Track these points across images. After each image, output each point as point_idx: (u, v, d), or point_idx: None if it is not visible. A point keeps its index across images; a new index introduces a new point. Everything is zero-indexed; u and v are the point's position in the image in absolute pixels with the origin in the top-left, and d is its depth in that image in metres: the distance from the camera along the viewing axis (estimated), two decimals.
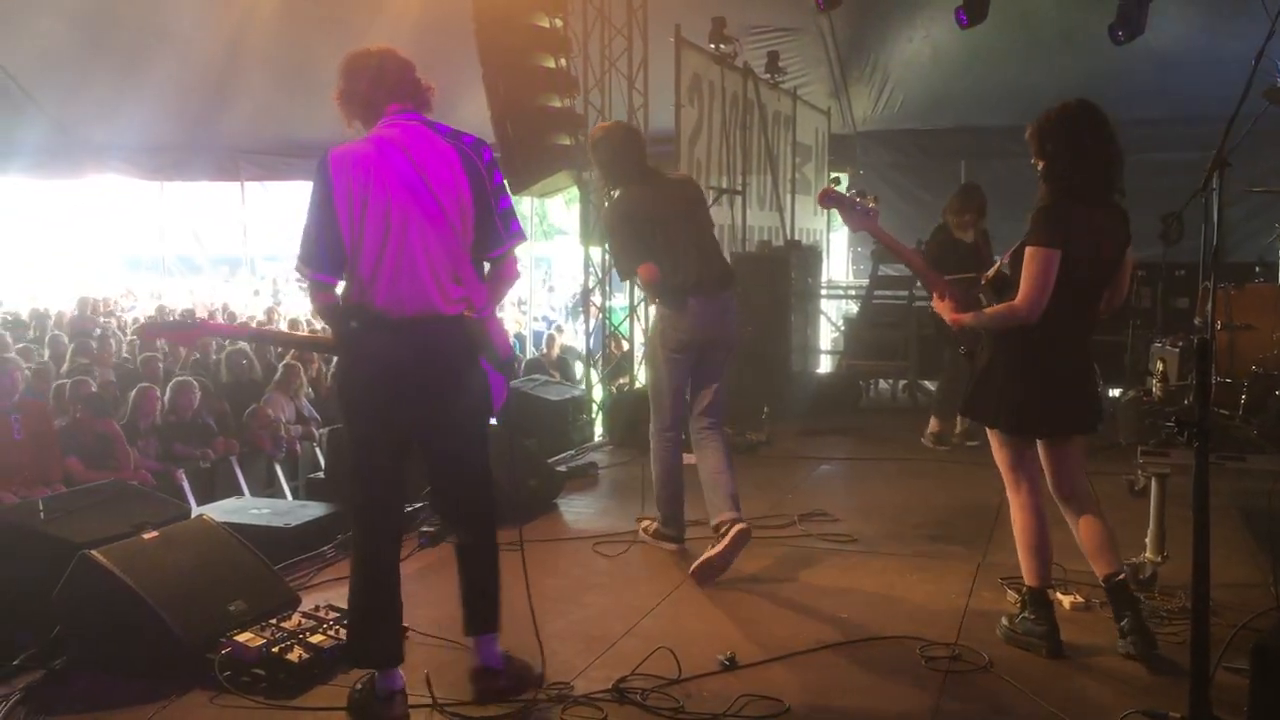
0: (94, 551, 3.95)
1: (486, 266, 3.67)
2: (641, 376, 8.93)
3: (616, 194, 5.48)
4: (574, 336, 14.75)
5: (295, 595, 4.44)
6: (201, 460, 8.63)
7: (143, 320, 15.27)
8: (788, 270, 10.02)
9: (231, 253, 21.03)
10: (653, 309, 5.72)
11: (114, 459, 7.91)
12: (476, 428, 3.70)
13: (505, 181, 3.76)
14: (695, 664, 3.87)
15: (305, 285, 3.51)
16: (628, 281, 7.81)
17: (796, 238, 11.84)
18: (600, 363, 10.18)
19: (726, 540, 4.91)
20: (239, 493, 8.48)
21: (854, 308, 12.37)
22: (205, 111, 14.07)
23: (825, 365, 11.93)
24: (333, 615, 4.15)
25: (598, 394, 9.65)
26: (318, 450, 9.40)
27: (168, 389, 9.02)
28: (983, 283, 4.11)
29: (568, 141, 8.48)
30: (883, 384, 10.80)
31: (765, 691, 3.66)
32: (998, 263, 4.13)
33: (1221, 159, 4.75)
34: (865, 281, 12.13)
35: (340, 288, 3.51)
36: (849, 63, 13.61)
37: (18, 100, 13.71)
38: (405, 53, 3.70)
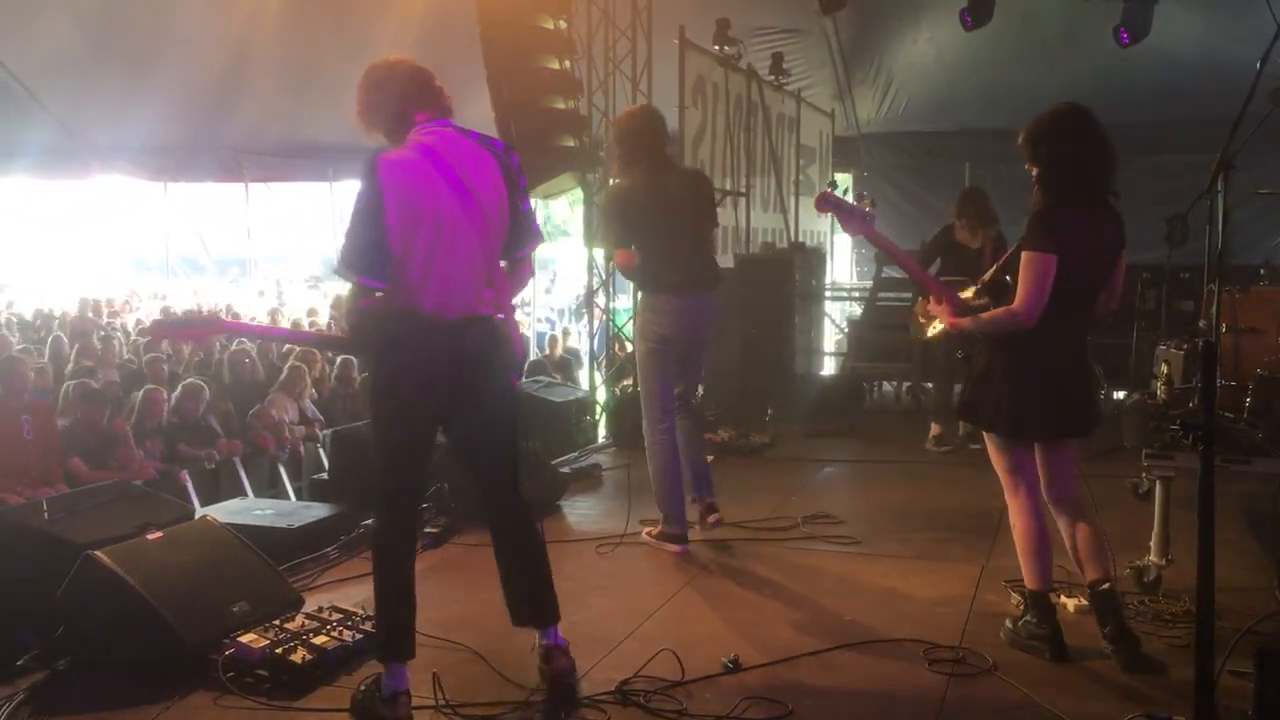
0: (98, 552, 3.96)
1: (503, 265, 3.73)
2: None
3: (618, 179, 5.56)
4: (577, 338, 14.76)
5: (299, 596, 4.44)
6: (207, 461, 8.64)
7: (148, 320, 15.29)
8: (792, 272, 10.02)
9: (236, 254, 21.04)
10: None
11: (116, 459, 7.91)
12: (510, 424, 3.78)
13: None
14: (698, 666, 3.87)
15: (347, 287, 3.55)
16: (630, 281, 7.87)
17: (800, 240, 11.84)
18: (604, 364, 10.18)
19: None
20: (243, 494, 8.49)
21: (858, 310, 12.37)
22: (210, 113, 14.08)
23: (829, 367, 11.93)
24: (336, 616, 4.16)
25: (601, 396, 9.64)
26: (321, 451, 9.40)
27: (177, 391, 9.02)
28: (978, 286, 4.12)
29: (572, 143, 8.48)
30: (886, 386, 10.79)
31: (768, 694, 3.65)
32: (994, 267, 4.14)
33: (1226, 161, 4.74)
34: (869, 283, 12.14)
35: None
36: (853, 64, 13.61)
37: (23, 101, 13.73)
38: (411, 56, 3.72)
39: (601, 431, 8.98)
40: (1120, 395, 9.19)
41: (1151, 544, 4.65)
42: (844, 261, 15.54)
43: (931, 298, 4.22)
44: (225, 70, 13.04)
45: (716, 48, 10.04)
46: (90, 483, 6.31)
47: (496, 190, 3.57)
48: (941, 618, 4.42)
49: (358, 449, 6.29)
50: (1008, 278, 3.97)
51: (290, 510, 5.93)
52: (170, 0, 12.53)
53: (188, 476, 8.31)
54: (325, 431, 9.20)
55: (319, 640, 3.92)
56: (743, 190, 10.52)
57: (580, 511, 6.37)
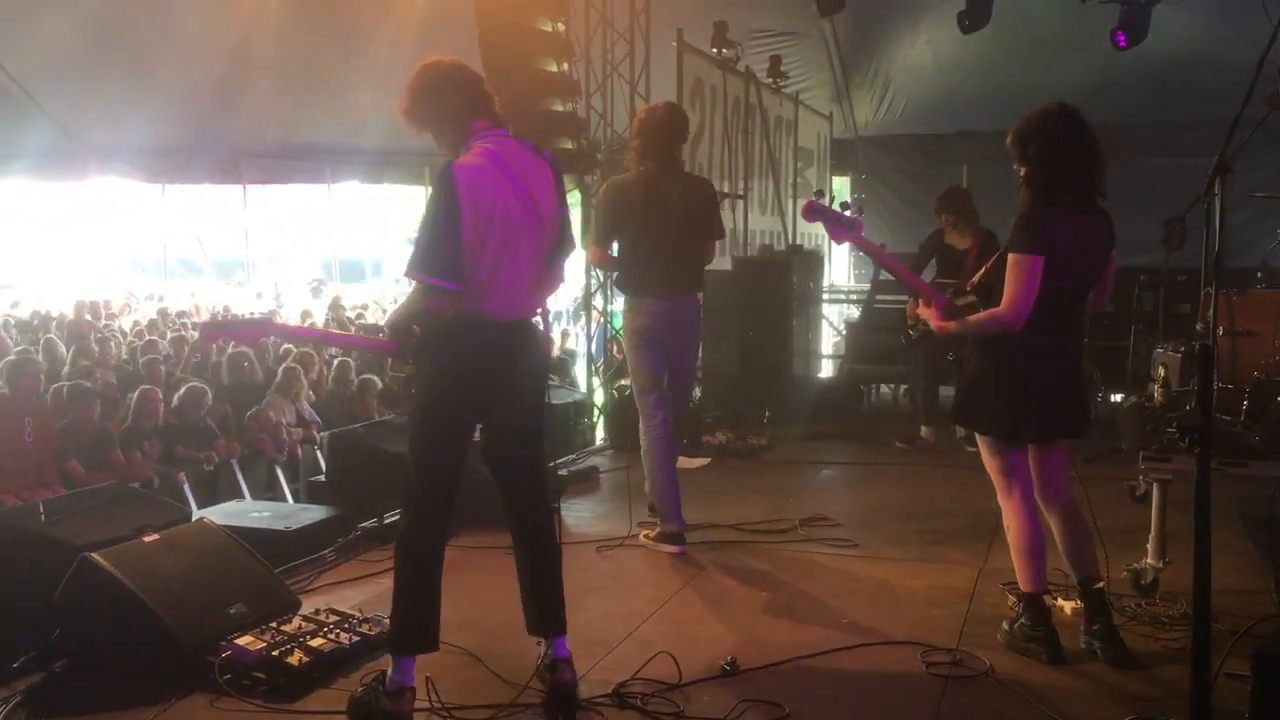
0: (95, 554, 3.96)
1: None
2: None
3: (626, 170, 5.69)
4: (575, 340, 14.75)
5: (296, 599, 4.44)
6: (205, 463, 8.63)
7: (144, 322, 15.28)
8: (789, 274, 10.02)
9: (233, 256, 21.04)
10: None
11: (112, 461, 7.91)
12: (541, 427, 3.87)
13: None
14: (696, 669, 3.87)
15: (418, 288, 3.55)
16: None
17: (798, 242, 11.85)
18: (601, 366, 10.18)
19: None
20: (240, 496, 8.47)
21: (855, 312, 12.38)
22: (208, 115, 14.09)
23: (827, 370, 11.93)
24: (333, 619, 4.16)
25: (599, 398, 9.64)
26: (319, 453, 9.39)
27: (180, 392, 9.01)
28: (966, 289, 4.12)
29: (570, 145, 8.48)
30: (884, 388, 10.79)
31: (765, 697, 3.66)
32: (982, 270, 4.15)
33: (1224, 164, 4.74)
34: (867, 286, 12.15)
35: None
36: (851, 67, 13.62)
37: (21, 103, 13.73)
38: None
39: (599, 434, 8.99)
40: (1118, 398, 9.20)
41: (1148, 546, 4.65)
42: (842, 264, 15.55)
43: (920, 301, 4.22)
44: (223, 72, 13.04)
45: (714, 50, 10.05)
46: (87, 484, 6.30)
47: (551, 199, 3.70)
48: (938, 620, 4.42)
49: (355, 451, 6.29)
50: (983, 283, 3.99)
51: (287, 512, 5.93)
52: (169, 2, 12.53)
53: (185, 478, 8.30)
54: (322, 434, 9.19)
55: (316, 643, 3.92)
56: (741, 193, 10.52)
57: (577, 514, 6.37)
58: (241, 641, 3.83)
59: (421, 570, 3.64)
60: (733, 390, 9.10)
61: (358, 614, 4.24)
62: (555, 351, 13.86)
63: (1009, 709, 3.62)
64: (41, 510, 4.52)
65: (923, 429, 8.03)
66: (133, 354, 11.56)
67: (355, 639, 4.03)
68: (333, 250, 19.91)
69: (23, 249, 23.06)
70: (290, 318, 16.30)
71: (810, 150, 13.38)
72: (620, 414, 8.51)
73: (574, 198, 10.39)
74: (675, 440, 5.74)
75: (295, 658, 3.80)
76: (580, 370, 11.62)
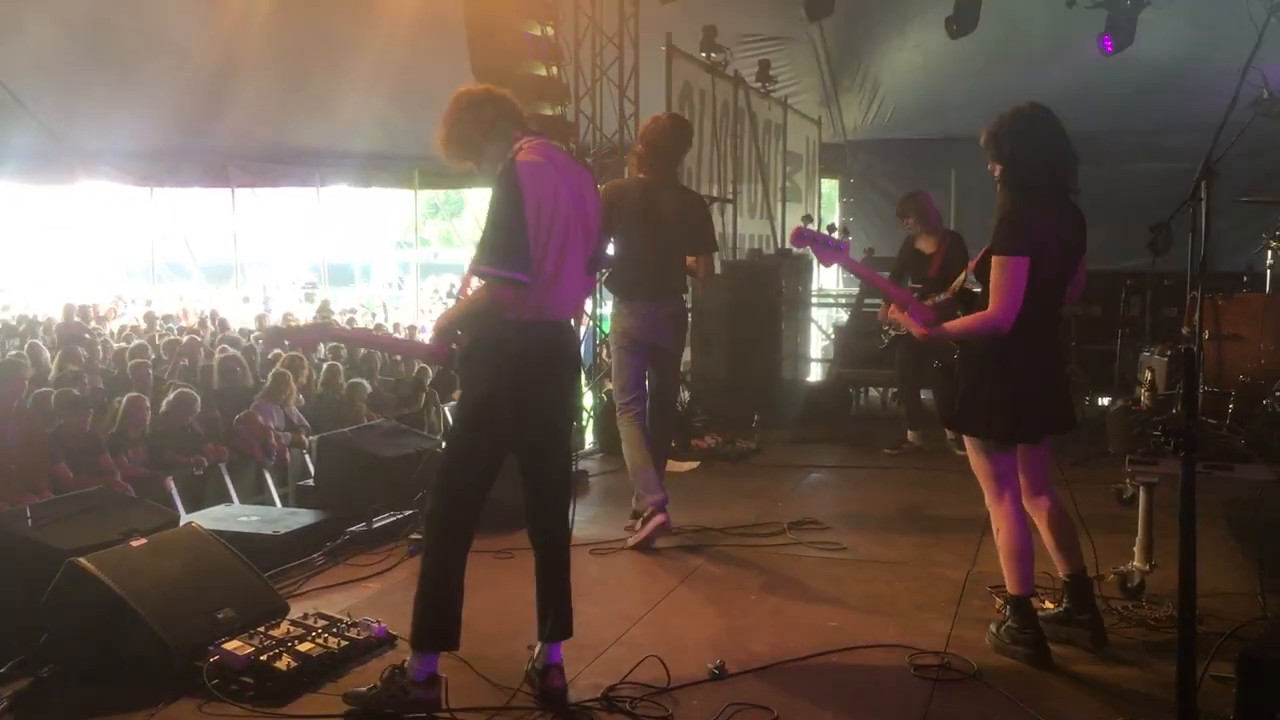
0: (82, 559, 3.94)
1: None
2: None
3: (628, 175, 5.83)
4: None
5: (284, 603, 4.42)
6: (194, 467, 8.60)
7: (130, 326, 15.23)
8: (778, 278, 10.04)
9: (222, 259, 21.01)
10: None
11: (101, 465, 7.89)
12: (570, 434, 3.94)
13: None
14: (684, 673, 3.87)
15: (491, 284, 3.55)
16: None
17: (787, 246, 11.85)
18: (591, 370, 10.17)
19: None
20: (228, 500, 8.45)
21: (844, 316, 12.40)
22: (196, 118, 14.08)
23: (816, 373, 11.95)
24: (321, 623, 4.15)
25: (588, 401, 9.63)
26: (307, 457, 9.37)
27: (168, 399, 8.99)
28: (948, 295, 4.16)
29: None
30: (873, 392, 10.81)
31: (754, 700, 3.66)
32: (962, 273, 4.17)
33: (1209, 169, 4.79)
34: (855, 290, 12.16)
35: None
36: (840, 71, 13.65)
37: (8, 106, 13.72)
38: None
39: (588, 438, 8.98)
40: (1105, 401, 9.24)
41: (1135, 549, 4.67)
42: (830, 268, 15.56)
43: (896, 307, 4.25)
44: (212, 76, 13.04)
45: (703, 55, 10.07)
46: (76, 489, 6.28)
47: (595, 205, 3.81)
48: (926, 623, 4.43)
49: (344, 455, 6.28)
50: (975, 287, 4.01)
51: (276, 517, 5.93)
52: (157, 5, 12.51)
53: (173, 483, 8.28)
54: (311, 438, 9.18)
55: (304, 647, 3.91)
56: (730, 197, 10.53)
57: None
58: (229, 646, 3.82)
59: (447, 563, 3.64)
60: (722, 394, 9.11)
61: (346, 618, 4.23)
62: None
63: (996, 712, 3.63)
64: (28, 514, 4.50)
65: (910, 433, 8.05)
66: (120, 358, 11.53)
67: (344, 644, 4.02)
68: (321, 254, 19.88)
69: (10, 253, 22.98)
70: (273, 320, 16.29)
71: (799, 154, 13.41)
72: (609, 418, 8.50)
73: None
74: (664, 444, 5.87)
75: (283, 662, 3.79)
76: None
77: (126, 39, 12.87)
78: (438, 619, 3.63)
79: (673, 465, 6.74)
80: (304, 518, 5.66)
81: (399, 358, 12.54)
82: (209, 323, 15.85)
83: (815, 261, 13.16)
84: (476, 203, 33.29)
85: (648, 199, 5.65)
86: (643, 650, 4.03)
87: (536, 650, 3.74)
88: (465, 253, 34.88)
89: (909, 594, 4.83)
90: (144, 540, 4.24)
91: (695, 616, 4.61)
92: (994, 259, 3.85)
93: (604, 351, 10.36)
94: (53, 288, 20.72)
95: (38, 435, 7.66)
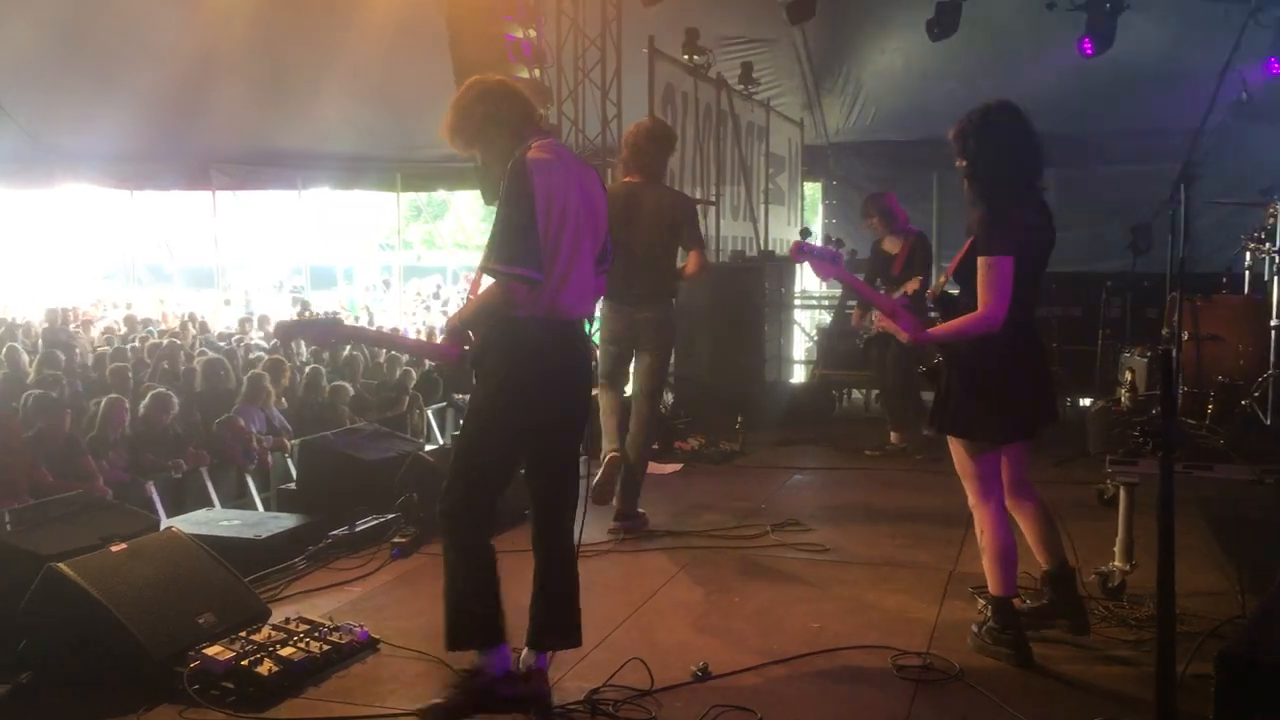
0: (61, 564, 3.92)
1: None
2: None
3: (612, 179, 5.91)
4: None
5: (265, 608, 4.40)
6: (174, 470, 8.56)
7: (103, 330, 15.15)
8: (761, 280, 10.06)
9: (203, 262, 20.93)
10: None
11: (81, 469, 7.83)
12: (582, 438, 3.91)
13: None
14: (668, 675, 3.87)
15: (503, 283, 3.48)
16: None
17: (770, 248, 11.88)
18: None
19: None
20: (209, 504, 8.42)
21: (827, 318, 12.43)
22: (177, 121, 14.00)
23: (799, 375, 11.97)
24: (303, 628, 4.13)
25: None
26: (289, 461, 9.34)
27: (145, 400, 8.94)
28: (902, 293, 4.20)
29: None
30: (855, 393, 10.84)
31: (737, 702, 3.66)
32: (942, 277, 4.20)
33: (1188, 171, 4.83)
34: (838, 292, 12.18)
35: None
36: (822, 74, 13.68)
37: None
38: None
39: None
40: (1086, 402, 9.28)
41: (1116, 549, 4.69)
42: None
43: (892, 319, 4.26)
44: (193, 78, 12.97)
45: (686, 57, 10.07)
46: (56, 493, 6.24)
47: (604, 204, 3.78)
48: (909, 624, 4.44)
49: (326, 459, 6.26)
50: (953, 289, 4.03)
51: (257, 521, 5.90)
52: (137, 7, 12.43)
53: (153, 487, 8.23)
54: (293, 441, 9.15)
55: (285, 652, 3.90)
56: (712, 199, 10.54)
57: None
58: (210, 651, 3.80)
59: (469, 560, 3.61)
60: (705, 396, 9.11)
61: (328, 623, 4.21)
62: None
63: (978, 712, 3.65)
64: (7, 519, 4.47)
65: (892, 435, 8.07)
66: (99, 361, 11.47)
67: (326, 648, 4.00)
68: (304, 257, 19.83)
69: None
70: (253, 315, 16.21)
71: (782, 157, 13.43)
72: (593, 419, 8.50)
73: None
74: (646, 443, 5.94)
75: (265, 667, 3.78)
76: None
77: (106, 41, 12.78)
78: (475, 613, 3.58)
79: (656, 467, 6.74)
80: (286, 521, 5.63)
81: (382, 360, 12.52)
82: (190, 326, 15.78)
83: (798, 264, 13.23)
84: (460, 206, 33.29)
85: (632, 202, 5.70)
86: (626, 653, 4.03)
87: (523, 654, 3.72)
88: (448, 255, 34.94)
89: (891, 595, 4.84)
90: (124, 545, 4.22)
91: (679, 619, 4.61)
92: (980, 259, 3.86)
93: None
94: (32, 291, 20.60)
95: (16, 439, 7.60)
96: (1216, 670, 2.89)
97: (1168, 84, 10.74)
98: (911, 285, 7.13)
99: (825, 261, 4.28)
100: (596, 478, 5.61)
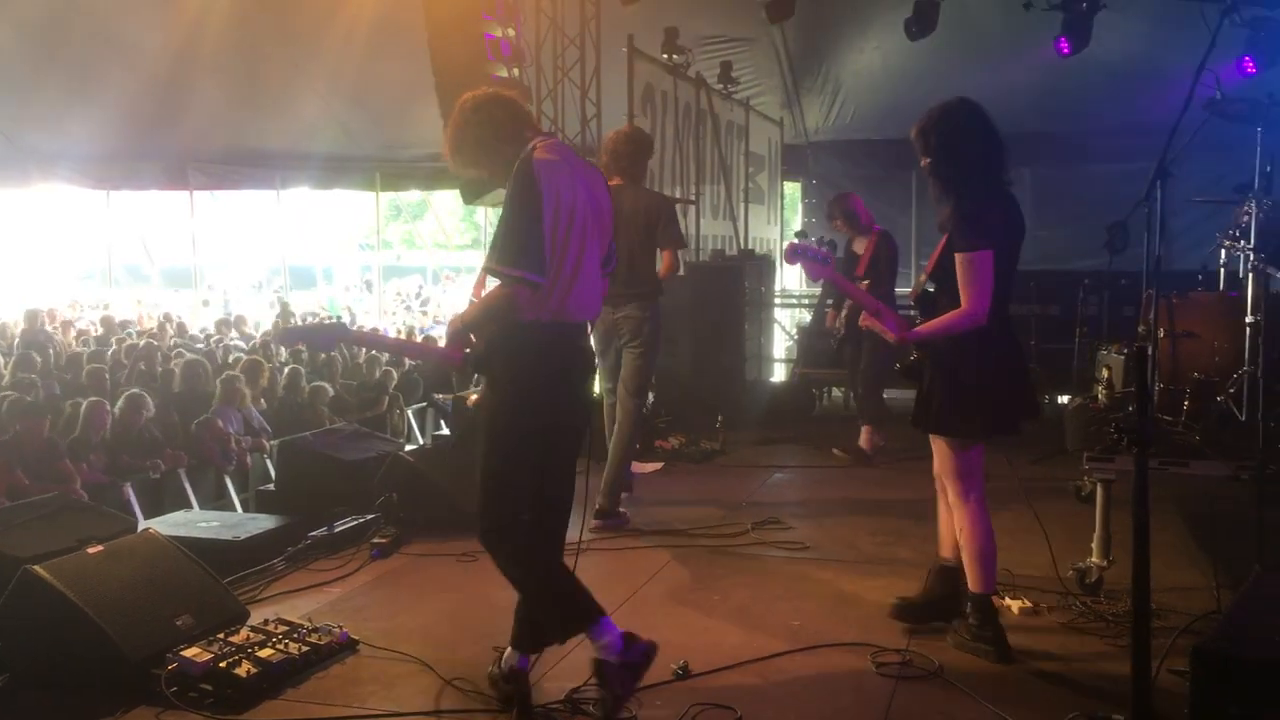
0: (37, 567, 3.89)
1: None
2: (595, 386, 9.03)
3: None
4: None
5: (244, 609, 4.38)
6: (151, 471, 8.50)
7: (88, 330, 15.04)
8: (741, 279, 10.07)
9: (181, 262, 20.81)
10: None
11: (58, 472, 7.78)
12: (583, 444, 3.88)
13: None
14: (648, 673, 3.86)
15: (507, 286, 3.43)
16: None
17: (750, 247, 11.91)
18: None
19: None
20: (188, 505, 8.37)
21: (807, 316, 12.46)
22: (154, 120, 13.91)
23: (779, 374, 11.99)
24: (282, 629, 4.11)
25: None
26: (268, 462, 9.30)
27: (120, 402, 8.88)
28: (909, 298, 4.22)
29: None
30: (836, 392, 10.86)
31: (718, 700, 3.67)
32: (921, 275, 4.21)
33: (1163, 169, 4.84)
34: (818, 290, 12.21)
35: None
36: (801, 73, 13.73)
37: None
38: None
39: None
40: (1064, 400, 9.33)
41: (1093, 545, 4.72)
42: (793, 268, 15.64)
43: (873, 316, 4.28)
44: (169, 77, 12.89)
45: (665, 56, 10.08)
46: (33, 496, 6.20)
47: (608, 206, 3.75)
48: (888, 621, 4.44)
49: (305, 459, 6.24)
50: (930, 288, 4.04)
51: (236, 522, 5.87)
52: (113, 6, 12.34)
53: (131, 489, 8.18)
54: (272, 442, 9.10)
55: (264, 653, 3.88)
56: (692, 198, 10.56)
57: None
58: (188, 653, 3.78)
59: (534, 563, 3.60)
60: (686, 395, 9.12)
61: (307, 624, 4.20)
62: None
63: (958, 709, 3.66)
64: None
65: (863, 435, 8.02)
66: (73, 362, 11.39)
67: (305, 649, 3.98)
68: (283, 256, 19.74)
69: None
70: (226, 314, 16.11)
71: (761, 156, 13.47)
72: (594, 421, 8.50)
73: None
74: (630, 442, 6.01)
75: (243, 669, 3.76)
76: None
77: (82, 41, 12.68)
78: (563, 613, 3.58)
79: (637, 466, 6.75)
80: (265, 522, 5.61)
81: (361, 360, 12.48)
82: (168, 327, 15.69)
83: (778, 262, 13.27)
84: (440, 205, 33.23)
85: (613, 205, 5.72)
86: None
87: (505, 654, 3.71)
88: (428, 255, 34.85)
89: (871, 592, 4.85)
90: (101, 547, 4.19)
91: (659, 617, 4.60)
92: (959, 256, 3.87)
93: None
94: (7, 292, 20.44)
95: None
96: (1192, 665, 2.92)
97: (1144, 83, 10.83)
98: (862, 286, 7.15)
99: (817, 263, 4.32)
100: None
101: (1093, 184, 12.18)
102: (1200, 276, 7.86)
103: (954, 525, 4.20)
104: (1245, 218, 6.64)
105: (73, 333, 15.26)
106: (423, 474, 5.95)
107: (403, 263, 32.89)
